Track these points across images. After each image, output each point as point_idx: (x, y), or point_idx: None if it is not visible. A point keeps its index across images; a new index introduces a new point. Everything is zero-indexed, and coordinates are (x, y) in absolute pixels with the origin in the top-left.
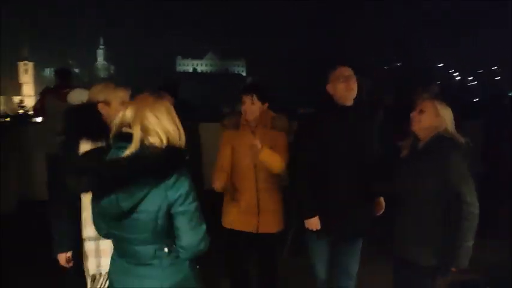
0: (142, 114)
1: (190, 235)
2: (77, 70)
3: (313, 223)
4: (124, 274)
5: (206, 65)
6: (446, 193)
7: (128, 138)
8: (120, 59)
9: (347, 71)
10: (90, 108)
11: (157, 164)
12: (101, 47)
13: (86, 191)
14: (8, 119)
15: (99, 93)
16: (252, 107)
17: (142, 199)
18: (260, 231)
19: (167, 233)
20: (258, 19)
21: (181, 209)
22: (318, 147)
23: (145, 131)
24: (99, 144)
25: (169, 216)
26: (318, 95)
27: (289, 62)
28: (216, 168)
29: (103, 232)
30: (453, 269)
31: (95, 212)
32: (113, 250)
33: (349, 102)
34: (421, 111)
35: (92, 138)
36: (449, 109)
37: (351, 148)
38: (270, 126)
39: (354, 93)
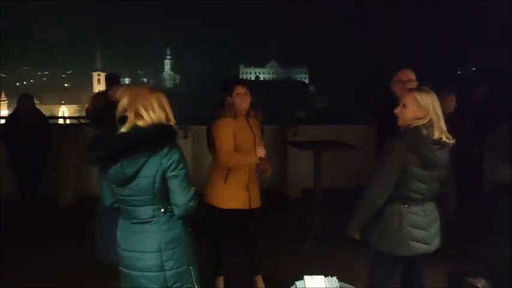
0: (134, 104)
1: (182, 195)
2: (145, 80)
3: None
4: (128, 232)
5: (269, 73)
6: None
7: (126, 120)
8: (186, 68)
9: (405, 76)
10: (111, 107)
11: (149, 137)
12: (168, 57)
13: (97, 163)
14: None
15: (120, 94)
16: (247, 97)
17: (142, 166)
18: (252, 206)
19: (163, 195)
20: (321, 26)
21: (173, 173)
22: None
23: (137, 116)
24: None
25: (165, 181)
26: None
27: (351, 69)
28: (228, 151)
29: (109, 202)
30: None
31: (104, 183)
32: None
33: None
34: (404, 106)
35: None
36: (433, 95)
37: None
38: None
39: None
